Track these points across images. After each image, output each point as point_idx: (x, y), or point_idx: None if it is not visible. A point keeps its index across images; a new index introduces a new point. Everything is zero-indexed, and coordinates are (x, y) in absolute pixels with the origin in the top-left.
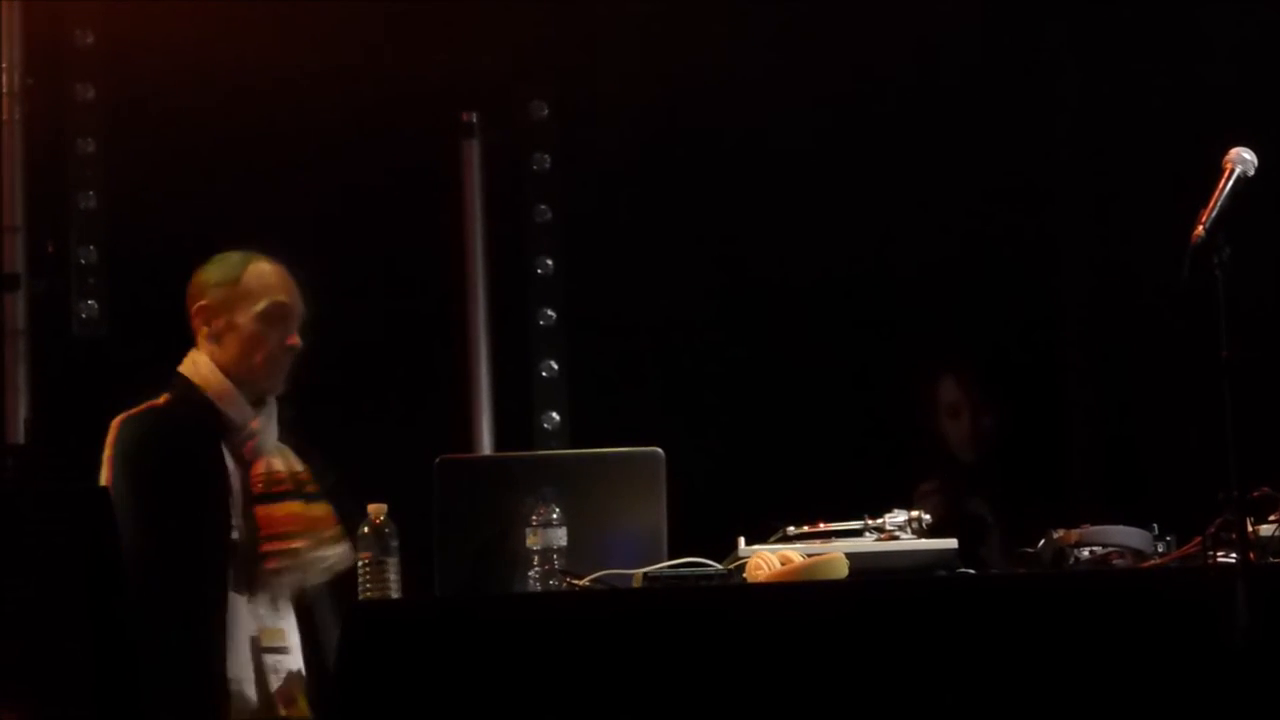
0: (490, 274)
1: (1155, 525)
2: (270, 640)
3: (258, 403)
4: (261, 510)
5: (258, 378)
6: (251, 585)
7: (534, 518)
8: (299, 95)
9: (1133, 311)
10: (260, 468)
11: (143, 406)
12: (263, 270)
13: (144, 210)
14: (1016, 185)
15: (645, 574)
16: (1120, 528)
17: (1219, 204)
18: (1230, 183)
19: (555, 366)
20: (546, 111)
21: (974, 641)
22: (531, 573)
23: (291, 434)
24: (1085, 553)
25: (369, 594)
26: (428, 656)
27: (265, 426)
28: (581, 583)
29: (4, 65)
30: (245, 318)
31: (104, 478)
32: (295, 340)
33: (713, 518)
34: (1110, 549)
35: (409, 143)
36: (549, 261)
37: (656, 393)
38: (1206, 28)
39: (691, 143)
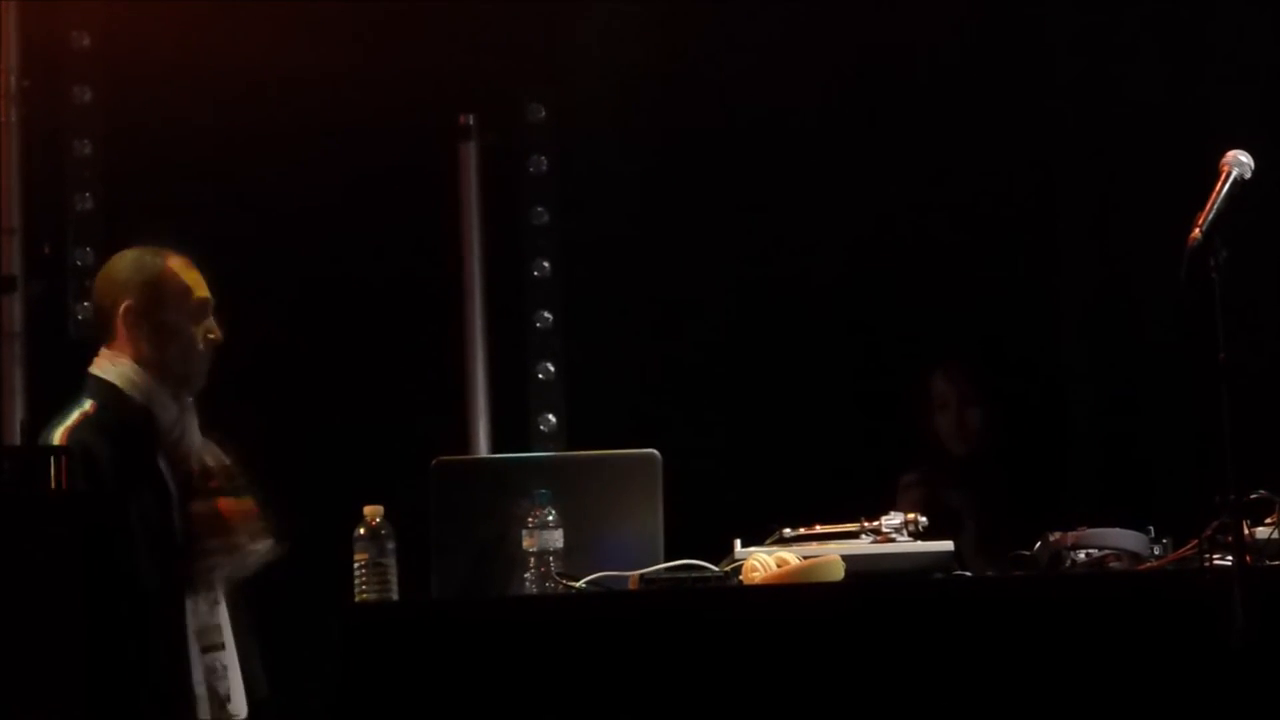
0: (487, 276)
1: (1151, 528)
2: (208, 639)
3: (177, 398)
4: (198, 506)
5: (188, 374)
6: (191, 584)
7: (530, 519)
8: (295, 98)
9: (1130, 314)
10: (194, 465)
11: (77, 417)
12: (180, 266)
13: (141, 212)
14: (1015, 187)
15: (641, 576)
16: (1116, 530)
17: (1215, 207)
18: (1227, 185)
19: (552, 369)
20: (543, 114)
21: (970, 644)
22: (527, 574)
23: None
24: (1081, 555)
25: (366, 596)
26: (424, 658)
27: (190, 424)
28: (577, 585)
29: (1, 67)
30: (176, 315)
31: None
32: (218, 334)
33: (709, 520)
34: (1106, 551)
35: (406, 145)
36: (545, 264)
37: (653, 395)
38: (1208, 29)
39: (688, 145)
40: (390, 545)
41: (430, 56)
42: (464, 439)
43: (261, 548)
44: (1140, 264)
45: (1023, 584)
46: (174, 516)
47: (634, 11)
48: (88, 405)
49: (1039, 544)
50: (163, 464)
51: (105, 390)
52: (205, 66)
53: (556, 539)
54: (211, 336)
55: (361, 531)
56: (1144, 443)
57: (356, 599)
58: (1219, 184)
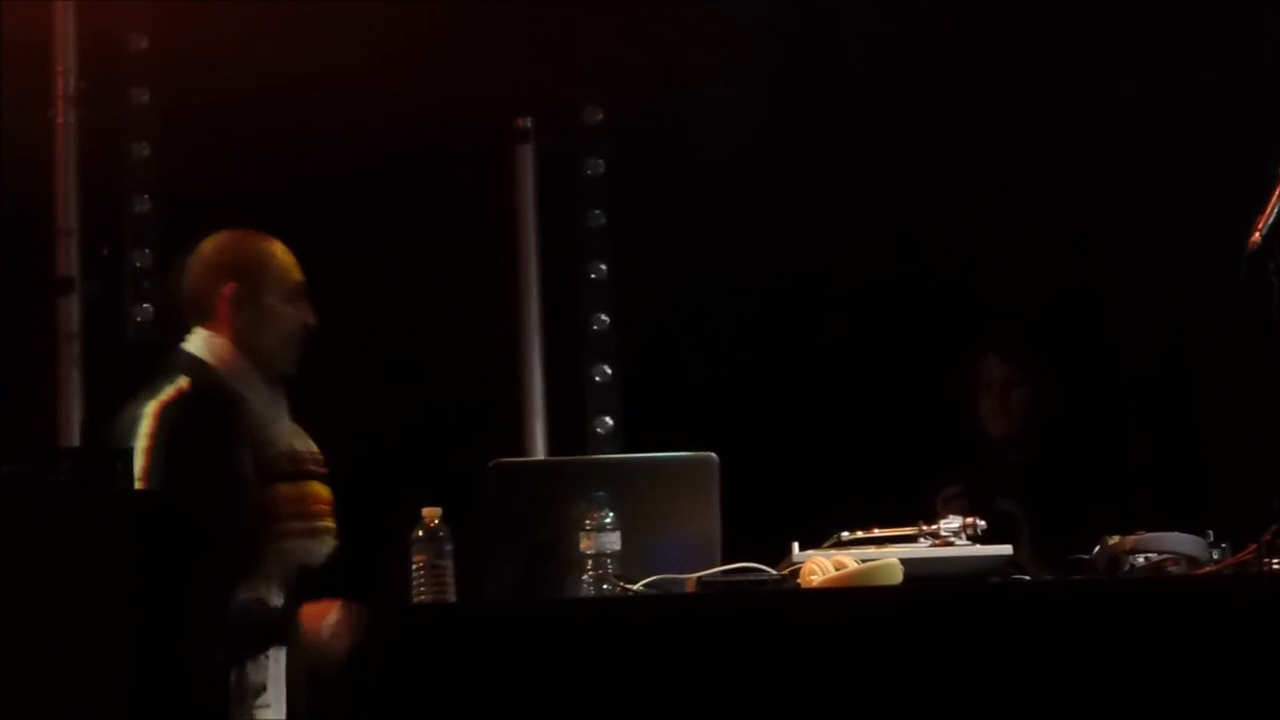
0: (543, 278)
1: (1210, 532)
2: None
3: (270, 382)
4: (285, 489)
5: (282, 357)
6: (259, 566)
7: (587, 522)
8: (352, 100)
9: (1188, 317)
10: (283, 447)
11: (172, 393)
12: (278, 250)
13: (198, 214)
14: (1075, 186)
15: (699, 579)
16: (1175, 534)
17: (1276, 211)
18: None
19: (608, 371)
20: (601, 116)
21: (1028, 648)
22: (584, 577)
23: (306, 420)
24: (1140, 559)
25: (424, 597)
26: (480, 660)
27: (280, 408)
28: (634, 587)
29: (59, 69)
30: (275, 299)
31: (141, 466)
32: (312, 318)
33: (766, 522)
34: (1165, 556)
35: (463, 147)
36: (602, 266)
37: (710, 397)
38: (1267, 31)
39: (745, 146)
40: (448, 547)
41: (488, 59)
42: (521, 441)
43: (331, 538)
44: (1198, 265)
45: (1081, 588)
46: (249, 500)
47: (691, 15)
48: (183, 382)
49: (1097, 548)
50: (246, 447)
51: (199, 368)
52: (263, 68)
53: (614, 541)
54: (308, 322)
55: (419, 533)
56: (1202, 447)
57: (414, 600)
58: (1279, 188)
